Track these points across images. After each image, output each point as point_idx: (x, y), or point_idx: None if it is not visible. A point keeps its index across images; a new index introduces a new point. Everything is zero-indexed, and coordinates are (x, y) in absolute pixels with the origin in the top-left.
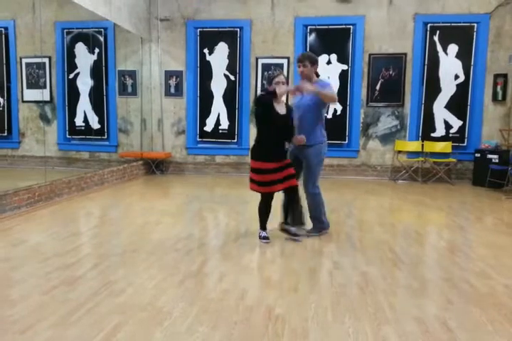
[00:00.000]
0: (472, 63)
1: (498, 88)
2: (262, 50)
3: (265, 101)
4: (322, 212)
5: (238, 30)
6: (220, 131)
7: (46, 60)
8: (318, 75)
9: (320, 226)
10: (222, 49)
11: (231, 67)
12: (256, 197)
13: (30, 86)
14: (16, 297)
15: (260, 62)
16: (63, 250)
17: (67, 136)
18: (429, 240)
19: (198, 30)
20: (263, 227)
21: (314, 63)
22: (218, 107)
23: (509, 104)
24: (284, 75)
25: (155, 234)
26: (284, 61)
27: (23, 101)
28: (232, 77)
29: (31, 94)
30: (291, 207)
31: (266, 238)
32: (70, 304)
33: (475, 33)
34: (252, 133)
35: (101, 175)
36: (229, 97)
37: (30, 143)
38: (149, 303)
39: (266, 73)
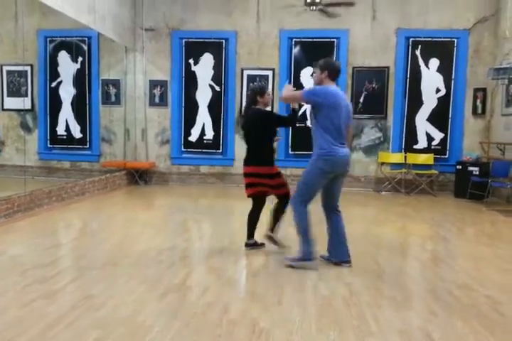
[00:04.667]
0: (453, 77)
1: (478, 102)
2: (248, 62)
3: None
4: (303, 233)
5: (224, 41)
6: (205, 141)
7: (28, 68)
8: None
9: (300, 255)
10: (207, 60)
11: (216, 78)
12: (240, 208)
13: (11, 94)
14: None
15: (246, 73)
16: (42, 262)
17: (49, 145)
18: (412, 251)
19: (183, 40)
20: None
21: (324, 70)
22: (203, 117)
23: (488, 117)
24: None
25: (137, 246)
26: (269, 73)
27: (4, 110)
28: (217, 88)
29: (12, 103)
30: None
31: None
32: (49, 318)
33: (455, 48)
34: (237, 143)
35: (82, 185)
36: (214, 107)
37: (10, 152)
38: (130, 317)
39: (251, 84)
